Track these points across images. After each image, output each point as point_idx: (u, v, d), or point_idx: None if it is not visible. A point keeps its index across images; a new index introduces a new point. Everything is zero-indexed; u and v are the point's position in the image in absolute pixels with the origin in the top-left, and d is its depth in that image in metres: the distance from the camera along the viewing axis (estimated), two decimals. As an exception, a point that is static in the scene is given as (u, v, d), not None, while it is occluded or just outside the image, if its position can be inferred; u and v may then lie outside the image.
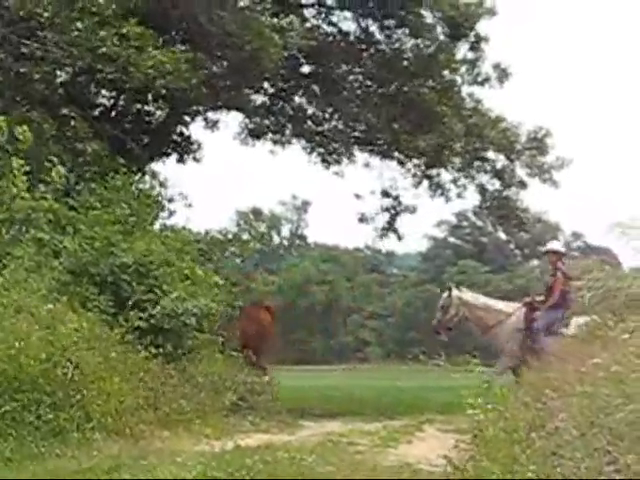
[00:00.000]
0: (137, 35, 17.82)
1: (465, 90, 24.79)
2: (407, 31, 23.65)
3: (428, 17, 23.37)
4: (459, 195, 25.76)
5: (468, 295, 17.60)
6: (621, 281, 9.99)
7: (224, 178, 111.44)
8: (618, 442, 5.81)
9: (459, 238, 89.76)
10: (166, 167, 24.32)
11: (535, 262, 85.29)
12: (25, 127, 14.50)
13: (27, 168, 14.81)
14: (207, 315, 15.62)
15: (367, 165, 26.01)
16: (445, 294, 17.66)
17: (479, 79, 24.42)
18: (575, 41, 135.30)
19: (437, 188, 25.68)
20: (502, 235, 59.31)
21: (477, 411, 7.47)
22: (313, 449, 11.00)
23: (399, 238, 26.97)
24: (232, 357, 17.10)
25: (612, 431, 5.93)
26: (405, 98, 23.37)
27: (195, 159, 24.34)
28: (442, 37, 23.34)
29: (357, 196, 26.65)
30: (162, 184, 23.94)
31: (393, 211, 26.23)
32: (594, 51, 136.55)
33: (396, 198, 26.18)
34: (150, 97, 21.12)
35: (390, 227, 26.43)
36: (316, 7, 24.30)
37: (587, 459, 5.78)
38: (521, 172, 24.99)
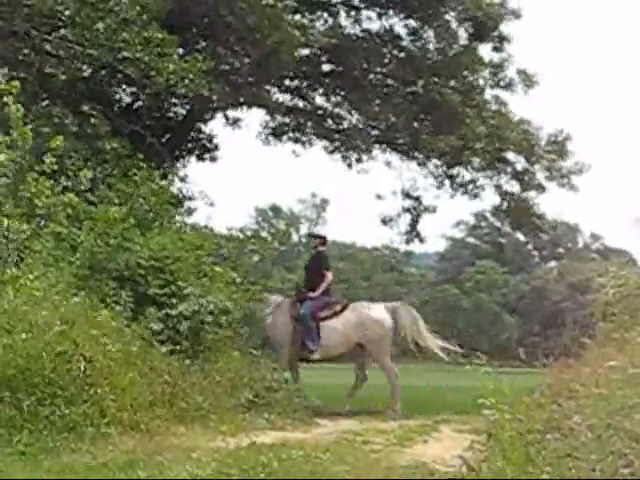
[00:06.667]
0: (159, 39, 17.84)
1: (489, 92, 24.80)
2: (431, 32, 23.66)
3: (452, 17, 23.40)
4: (476, 196, 25.71)
5: None
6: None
7: (243, 175, 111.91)
8: (634, 444, 5.79)
9: (477, 238, 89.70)
10: (187, 165, 24.35)
11: (553, 263, 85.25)
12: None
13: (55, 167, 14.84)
14: (223, 312, 15.59)
15: (388, 164, 26.05)
16: None
17: (502, 83, 24.37)
18: (596, 44, 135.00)
19: (459, 187, 25.65)
20: (520, 236, 59.30)
21: (492, 411, 7.44)
22: (328, 447, 10.98)
23: (421, 241, 27.05)
24: (250, 354, 17.08)
25: (628, 433, 5.92)
26: (427, 98, 23.37)
27: (212, 159, 24.31)
28: (466, 36, 23.34)
29: (378, 197, 26.73)
30: (182, 179, 23.97)
31: (414, 212, 26.23)
32: (614, 53, 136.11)
33: (417, 199, 26.17)
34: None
35: (413, 230, 26.43)
36: (343, 6, 24.26)
37: (602, 461, 5.77)
38: (540, 176, 24.95)
